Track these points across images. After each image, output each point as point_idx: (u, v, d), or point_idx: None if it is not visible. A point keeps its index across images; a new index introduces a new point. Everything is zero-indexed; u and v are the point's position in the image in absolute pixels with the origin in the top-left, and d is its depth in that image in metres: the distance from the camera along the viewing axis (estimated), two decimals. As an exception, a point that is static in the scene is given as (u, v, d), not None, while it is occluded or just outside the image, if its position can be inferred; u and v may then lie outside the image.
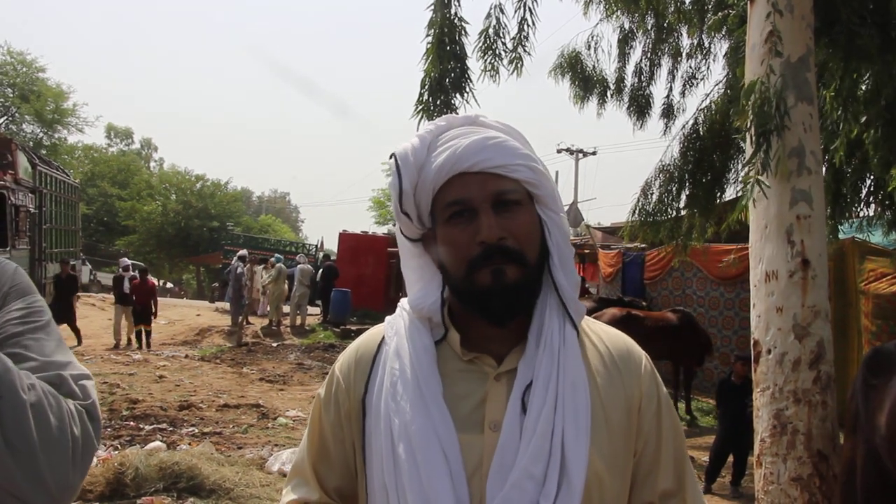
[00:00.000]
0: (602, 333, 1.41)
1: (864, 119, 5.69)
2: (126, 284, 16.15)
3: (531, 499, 1.20)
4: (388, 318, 1.44)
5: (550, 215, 1.33)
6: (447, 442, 1.23)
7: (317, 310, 20.69)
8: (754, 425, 4.86)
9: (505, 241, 1.26)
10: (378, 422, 1.30)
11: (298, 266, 19.63)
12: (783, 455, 4.59)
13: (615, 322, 9.71)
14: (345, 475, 1.39)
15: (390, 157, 1.36)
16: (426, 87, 5.21)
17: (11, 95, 39.73)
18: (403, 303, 1.43)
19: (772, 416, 4.66)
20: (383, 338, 1.41)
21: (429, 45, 5.24)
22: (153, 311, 16.26)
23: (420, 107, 5.21)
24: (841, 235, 8.09)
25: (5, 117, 40.20)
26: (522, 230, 1.28)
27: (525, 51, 5.79)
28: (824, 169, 6.64)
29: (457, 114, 2.09)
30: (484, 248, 1.25)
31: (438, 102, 5.17)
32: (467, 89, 5.29)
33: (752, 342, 4.93)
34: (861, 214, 8.28)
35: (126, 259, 19.53)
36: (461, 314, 1.35)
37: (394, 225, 1.45)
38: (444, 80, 5.21)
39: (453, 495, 1.20)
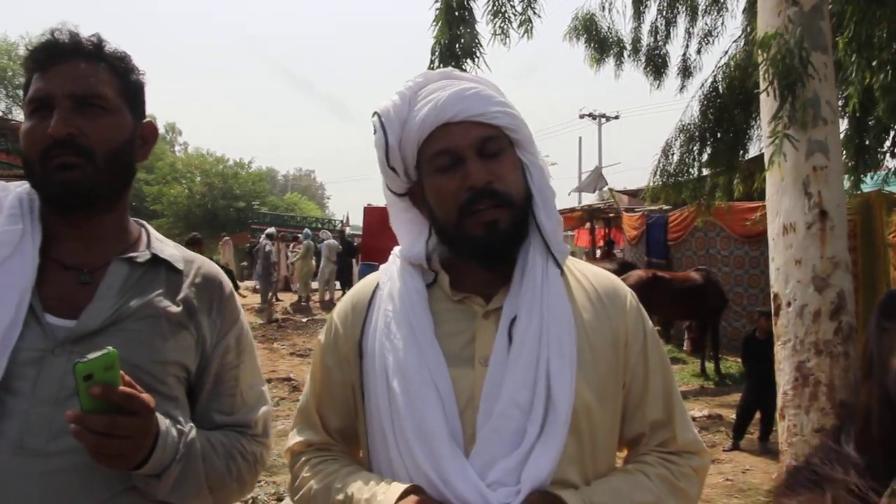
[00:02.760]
0: (588, 272, 1.45)
1: (874, 63, 5.57)
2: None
3: (518, 426, 1.24)
4: (382, 266, 1.49)
5: (531, 158, 1.38)
6: (439, 376, 1.28)
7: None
8: (776, 378, 4.84)
9: (493, 185, 1.30)
10: (374, 361, 1.35)
11: (324, 242, 19.71)
12: (806, 407, 4.58)
13: (642, 284, 9.69)
14: (346, 416, 1.45)
15: (373, 116, 1.40)
16: (436, 53, 5.21)
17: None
18: (396, 251, 1.48)
19: (793, 369, 4.64)
20: (377, 284, 1.46)
21: (437, 12, 5.22)
22: None
23: (431, 74, 5.19)
24: (866, 188, 7.94)
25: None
26: (508, 173, 1.33)
27: (535, 13, 5.74)
28: (846, 120, 6.54)
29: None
30: (473, 192, 1.29)
31: (450, 69, 5.15)
32: (478, 54, 5.28)
33: (771, 295, 4.90)
34: (889, 166, 8.13)
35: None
36: (450, 259, 1.40)
37: None
38: (454, 45, 5.21)
39: (446, 427, 1.24)
